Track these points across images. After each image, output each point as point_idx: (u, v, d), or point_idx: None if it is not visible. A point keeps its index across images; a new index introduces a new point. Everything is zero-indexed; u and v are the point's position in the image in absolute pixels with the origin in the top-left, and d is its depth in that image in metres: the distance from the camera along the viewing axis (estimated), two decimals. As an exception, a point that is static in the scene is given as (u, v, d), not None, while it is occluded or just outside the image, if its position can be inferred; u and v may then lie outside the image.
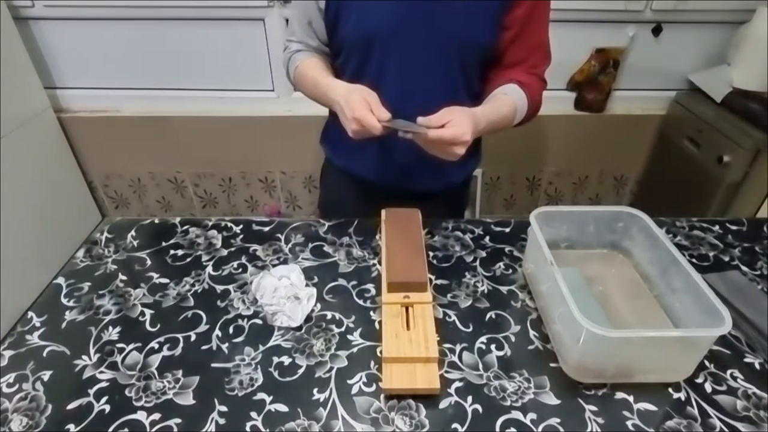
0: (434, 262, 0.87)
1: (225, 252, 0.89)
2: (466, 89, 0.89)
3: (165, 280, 0.83)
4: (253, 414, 0.61)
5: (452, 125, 0.71)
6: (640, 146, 1.94)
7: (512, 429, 0.59)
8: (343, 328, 0.74)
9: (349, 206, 1.03)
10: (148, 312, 0.77)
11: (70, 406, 0.63)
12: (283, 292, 0.75)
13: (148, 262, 0.88)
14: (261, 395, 0.64)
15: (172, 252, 0.90)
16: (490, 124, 0.81)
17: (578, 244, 0.84)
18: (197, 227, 0.96)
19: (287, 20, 1.56)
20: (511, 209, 2.15)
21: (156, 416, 0.61)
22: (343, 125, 0.77)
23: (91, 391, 0.64)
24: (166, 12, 1.65)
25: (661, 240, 0.72)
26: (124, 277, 0.84)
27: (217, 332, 0.73)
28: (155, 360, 0.69)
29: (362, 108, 0.73)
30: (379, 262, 0.85)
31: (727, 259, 0.88)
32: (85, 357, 0.69)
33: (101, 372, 0.67)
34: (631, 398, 0.63)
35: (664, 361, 0.64)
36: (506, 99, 0.84)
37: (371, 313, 0.76)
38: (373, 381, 0.65)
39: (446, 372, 0.66)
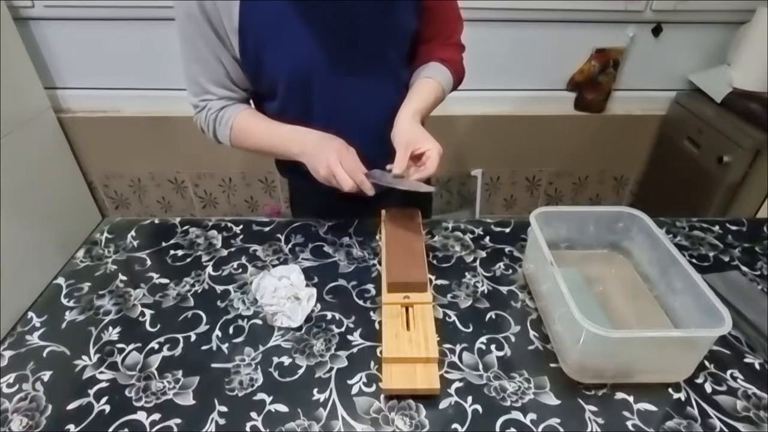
0: (434, 262, 0.87)
1: (225, 252, 0.89)
2: (408, 70, 0.92)
3: (165, 281, 0.83)
4: (253, 414, 0.61)
5: (423, 149, 0.77)
6: (640, 146, 1.94)
7: (512, 429, 0.59)
8: (343, 329, 0.74)
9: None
10: (148, 312, 0.77)
11: (70, 407, 0.63)
12: (283, 292, 0.75)
13: (148, 262, 0.88)
14: (261, 395, 0.64)
15: (172, 252, 0.90)
16: (426, 113, 0.86)
17: (578, 245, 0.84)
18: (197, 227, 0.96)
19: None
20: (511, 209, 2.15)
21: (156, 416, 0.61)
22: (312, 168, 0.77)
23: (91, 392, 0.64)
24: (167, 12, 1.64)
25: (661, 240, 0.72)
26: (124, 278, 0.84)
27: (217, 332, 0.73)
28: (155, 360, 0.69)
29: (344, 148, 0.76)
30: (379, 263, 0.85)
31: (727, 259, 0.88)
32: (85, 357, 0.69)
33: (101, 372, 0.67)
34: (631, 398, 0.63)
35: (664, 361, 0.64)
36: (431, 84, 0.88)
37: (371, 313, 0.76)
38: (373, 381, 0.65)
39: (446, 372, 0.66)
